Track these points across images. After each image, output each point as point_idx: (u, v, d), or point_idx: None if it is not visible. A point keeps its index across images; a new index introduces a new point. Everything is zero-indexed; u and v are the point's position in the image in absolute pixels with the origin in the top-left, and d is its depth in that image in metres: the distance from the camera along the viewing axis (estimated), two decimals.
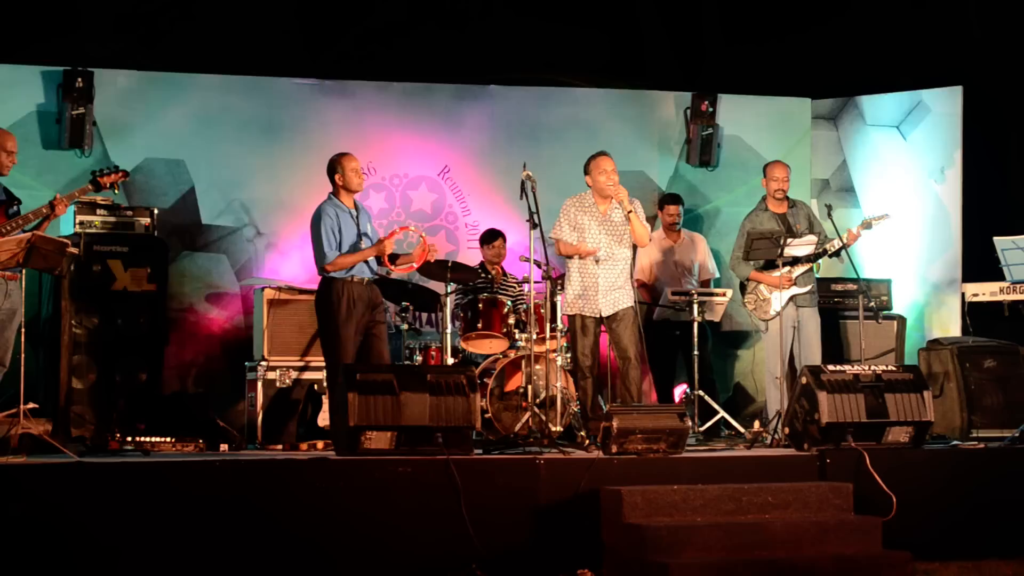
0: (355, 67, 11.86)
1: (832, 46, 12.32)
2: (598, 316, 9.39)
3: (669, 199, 11.77)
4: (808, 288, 10.14)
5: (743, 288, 10.36)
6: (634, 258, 9.74)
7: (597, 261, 9.40)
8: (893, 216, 10.47)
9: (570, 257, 9.49)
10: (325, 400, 9.75)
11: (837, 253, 10.15)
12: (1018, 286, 9.94)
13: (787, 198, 10.37)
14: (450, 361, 10.10)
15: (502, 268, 11.11)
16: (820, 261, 10.25)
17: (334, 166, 9.15)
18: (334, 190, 9.15)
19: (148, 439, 9.19)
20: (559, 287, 9.87)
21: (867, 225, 10.14)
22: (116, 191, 9.14)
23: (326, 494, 7.58)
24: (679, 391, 11.41)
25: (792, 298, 10.07)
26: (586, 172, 9.54)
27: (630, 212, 9.32)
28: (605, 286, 9.38)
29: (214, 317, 11.42)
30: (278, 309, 10.33)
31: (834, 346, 10.97)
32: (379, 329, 9.05)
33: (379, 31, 11.85)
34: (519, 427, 9.53)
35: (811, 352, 10.10)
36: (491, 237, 11.15)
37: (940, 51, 12.15)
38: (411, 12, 11.84)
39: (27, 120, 11.05)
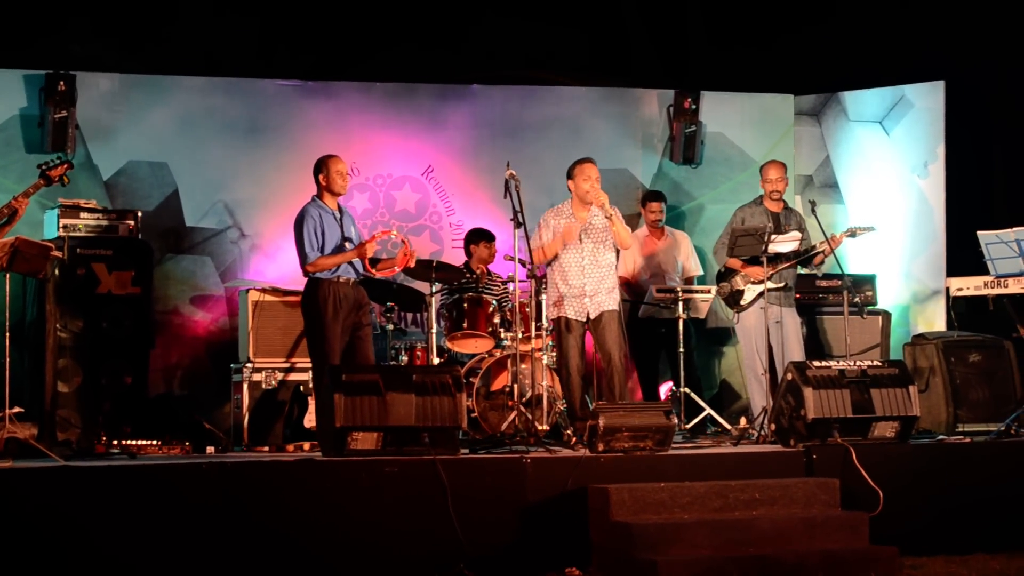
0: (338, 68, 11.83)
1: (814, 42, 12.34)
2: (583, 319, 9.40)
3: (651, 196, 11.74)
4: (783, 284, 10.15)
5: (719, 276, 10.38)
6: (617, 257, 9.74)
7: (582, 238, 9.38)
8: (878, 226, 10.62)
9: (552, 260, 9.47)
10: (311, 401, 9.73)
11: (817, 259, 10.26)
12: (1002, 280, 9.95)
13: (783, 201, 10.39)
14: (436, 361, 10.09)
15: (486, 268, 11.08)
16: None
17: (319, 167, 9.13)
18: (318, 191, 9.13)
19: (134, 442, 9.16)
20: (544, 286, 9.87)
21: (851, 233, 10.26)
22: (66, 183, 9.04)
23: (313, 495, 7.57)
24: (664, 388, 11.42)
25: (765, 293, 10.03)
26: (569, 176, 9.51)
27: (610, 216, 9.31)
28: (590, 290, 9.38)
29: (199, 319, 11.40)
30: (263, 311, 10.29)
31: (815, 342, 11.02)
32: (365, 331, 9.04)
33: (362, 31, 11.83)
34: (505, 426, 9.53)
35: (791, 349, 10.10)
36: (489, 236, 11.07)
37: (922, 46, 12.17)
38: (394, 12, 11.83)
39: (9, 124, 11.02)
